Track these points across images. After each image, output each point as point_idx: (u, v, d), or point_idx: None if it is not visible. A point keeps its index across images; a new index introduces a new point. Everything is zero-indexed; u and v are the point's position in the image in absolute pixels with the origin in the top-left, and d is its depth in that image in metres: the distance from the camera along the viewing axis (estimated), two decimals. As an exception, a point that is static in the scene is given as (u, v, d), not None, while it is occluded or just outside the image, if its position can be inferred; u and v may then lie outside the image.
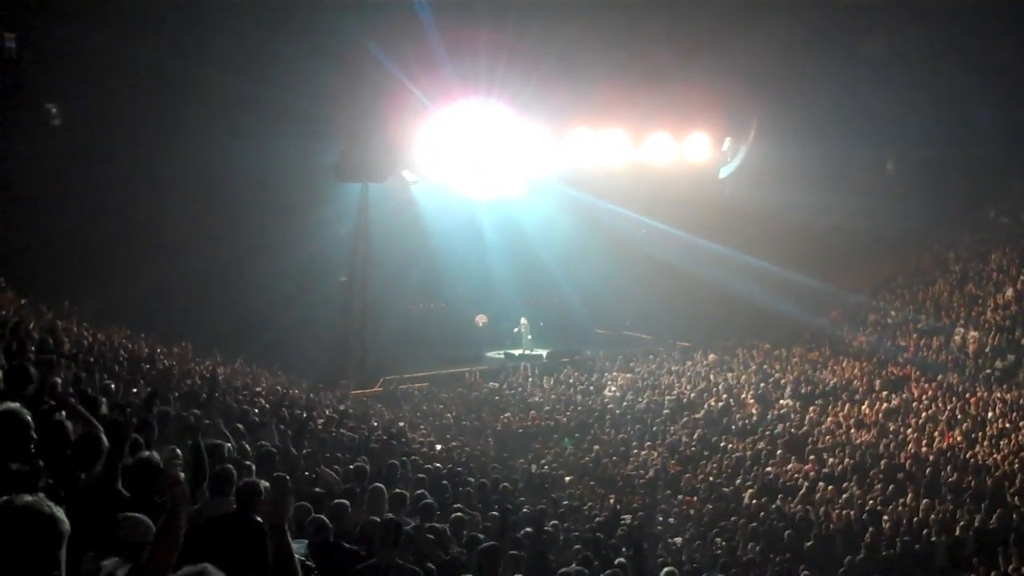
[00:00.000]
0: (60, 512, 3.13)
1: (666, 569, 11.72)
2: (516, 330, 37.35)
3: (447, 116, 34.24)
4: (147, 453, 6.28)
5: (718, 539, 18.10)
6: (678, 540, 17.25)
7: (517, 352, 36.85)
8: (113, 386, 12.45)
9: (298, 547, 7.05)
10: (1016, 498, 19.17)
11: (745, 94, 37.35)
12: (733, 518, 19.20)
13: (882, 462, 21.94)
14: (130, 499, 5.71)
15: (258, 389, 21.53)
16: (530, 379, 33.80)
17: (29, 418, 5.22)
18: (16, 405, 5.31)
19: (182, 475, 4.73)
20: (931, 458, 21.85)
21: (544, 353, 36.95)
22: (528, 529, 11.92)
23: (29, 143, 28.50)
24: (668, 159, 38.27)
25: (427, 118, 33.75)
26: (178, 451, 8.16)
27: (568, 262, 38.37)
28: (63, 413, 7.23)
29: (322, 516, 8.03)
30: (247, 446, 11.35)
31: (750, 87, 36.89)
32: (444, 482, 14.34)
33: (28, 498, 3.08)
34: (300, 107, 28.54)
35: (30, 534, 3.03)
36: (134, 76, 28.31)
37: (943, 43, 36.13)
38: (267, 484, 8.25)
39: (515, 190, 37.86)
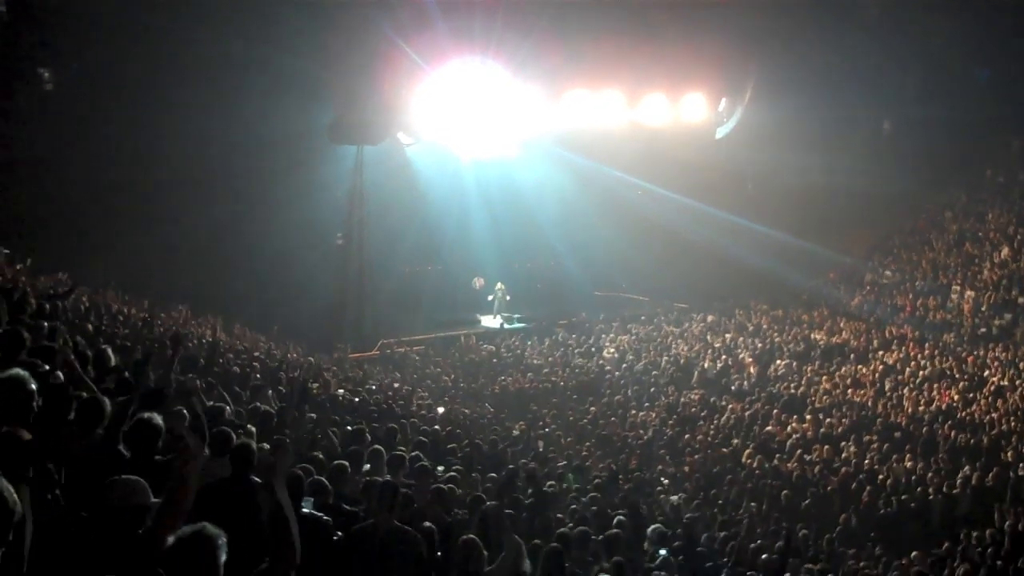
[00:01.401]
0: (14, 496, 3.12)
1: (654, 526, 11.78)
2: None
3: (442, 78, 33.94)
4: (147, 415, 6.28)
5: (716, 499, 18.21)
6: (675, 499, 17.32)
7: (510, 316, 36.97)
8: (110, 351, 12.43)
9: (307, 504, 7.13)
10: (1012, 456, 19.29)
11: (741, 54, 37.11)
12: (730, 477, 19.31)
13: (879, 421, 22.08)
14: (131, 460, 5.73)
15: (256, 353, 21.55)
16: (528, 343, 33.82)
17: (33, 385, 5.23)
18: (20, 371, 5.32)
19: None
20: (928, 417, 21.97)
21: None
22: (528, 490, 11.98)
23: (22, 109, 28.31)
24: (664, 120, 38.07)
25: (422, 80, 33.50)
26: (184, 412, 8.19)
27: (564, 224, 38.21)
28: (62, 378, 7.25)
29: (322, 478, 8.06)
30: (257, 406, 11.42)
31: (746, 47, 36.67)
32: (443, 444, 14.39)
33: None
34: (295, 69, 28.30)
35: None
36: (128, 39, 28.05)
37: (940, 2, 35.93)
38: (266, 446, 8.29)
39: (510, 152, 37.65)
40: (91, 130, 28.35)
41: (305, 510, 6.79)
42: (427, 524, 7.91)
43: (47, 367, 7.44)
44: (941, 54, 36.43)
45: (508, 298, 37.19)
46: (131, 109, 28.28)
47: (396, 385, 25.26)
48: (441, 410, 21.46)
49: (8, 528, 3.11)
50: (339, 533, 6.91)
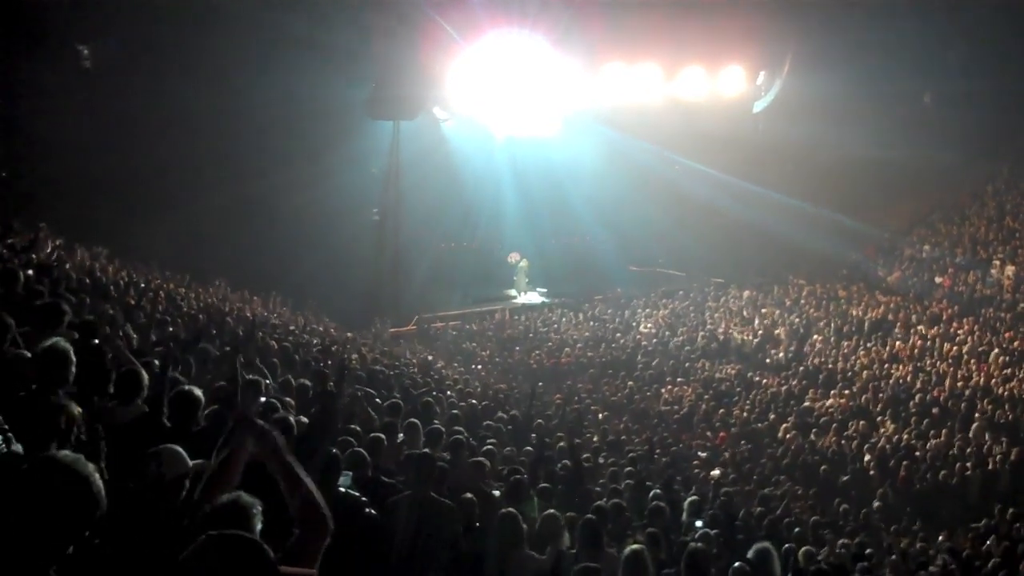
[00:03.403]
0: (99, 483, 2.88)
1: (691, 498, 11.78)
2: (515, 277, 37.33)
3: (478, 52, 33.83)
4: (187, 387, 6.36)
5: (752, 474, 18.19)
6: (715, 473, 17.33)
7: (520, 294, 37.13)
8: (144, 320, 12.54)
9: (345, 480, 7.18)
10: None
11: (780, 26, 36.69)
12: (768, 452, 19.30)
13: (917, 397, 21.88)
14: (171, 431, 5.79)
15: (293, 328, 21.69)
16: (564, 318, 33.84)
17: (72, 355, 5.30)
18: (61, 341, 5.39)
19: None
20: (967, 393, 21.75)
21: (540, 295, 37.34)
22: (566, 462, 12.00)
23: (60, 85, 28.47)
24: (702, 93, 37.80)
25: (458, 54, 33.42)
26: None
27: (599, 199, 38.06)
28: (105, 350, 7.35)
29: (361, 450, 8.10)
30: (295, 379, 11.50)
31: (785, 19, 36.24)
32: (480, 418, 14.44)
33: (70, 457, 2.87)
34: (331, 43, 28.29)
35: (65, 495, 2.86)
36: (163, 14, 28.16)
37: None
38: (304, 419, 8.36)
39: (547, 127, 37.55)
40: (129, 107, 28.48)
41: (340, 489, 6.81)
42: (466, 496, 7.95)
43: (87, 339, 7.55)
44: (982, 26, 35.90)
45: (527, 279, 37.22)
46: (167, 84, 28.38)
47: (430, 359, 25.34)
48: (477, 384, 21.52)
49: (90, 521, 2.72)
50: (371, 510, 6.94)
